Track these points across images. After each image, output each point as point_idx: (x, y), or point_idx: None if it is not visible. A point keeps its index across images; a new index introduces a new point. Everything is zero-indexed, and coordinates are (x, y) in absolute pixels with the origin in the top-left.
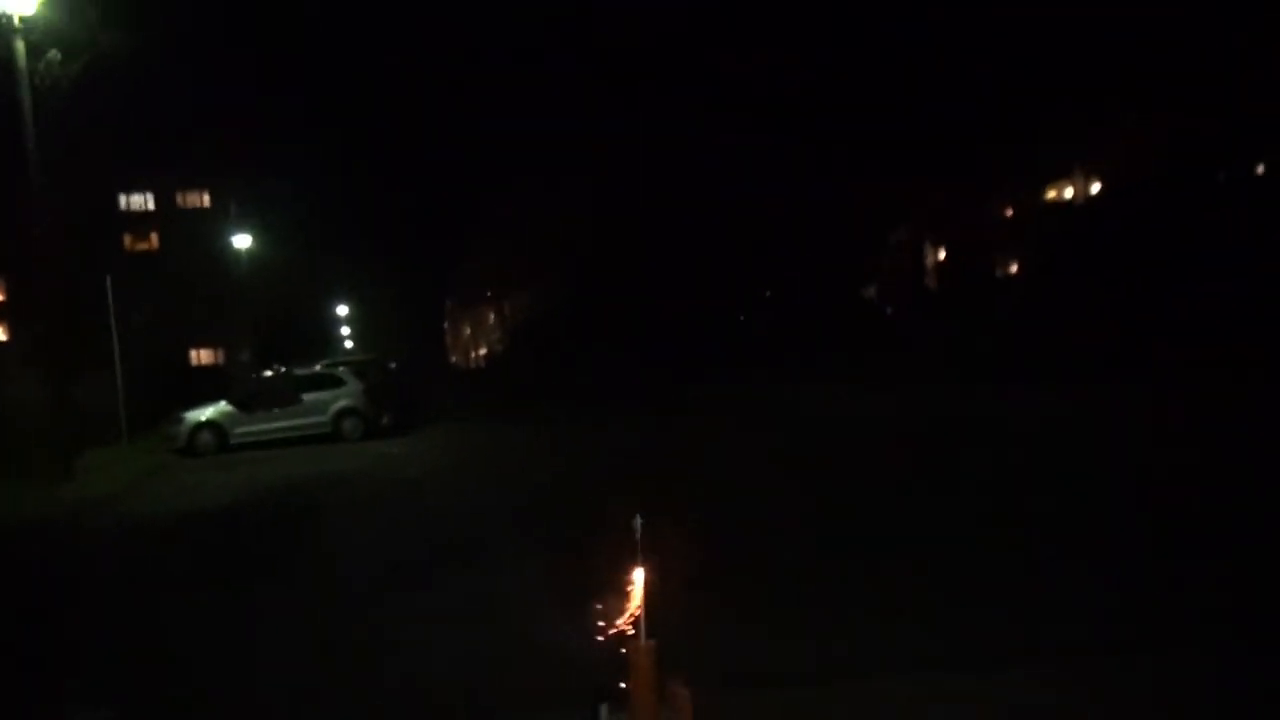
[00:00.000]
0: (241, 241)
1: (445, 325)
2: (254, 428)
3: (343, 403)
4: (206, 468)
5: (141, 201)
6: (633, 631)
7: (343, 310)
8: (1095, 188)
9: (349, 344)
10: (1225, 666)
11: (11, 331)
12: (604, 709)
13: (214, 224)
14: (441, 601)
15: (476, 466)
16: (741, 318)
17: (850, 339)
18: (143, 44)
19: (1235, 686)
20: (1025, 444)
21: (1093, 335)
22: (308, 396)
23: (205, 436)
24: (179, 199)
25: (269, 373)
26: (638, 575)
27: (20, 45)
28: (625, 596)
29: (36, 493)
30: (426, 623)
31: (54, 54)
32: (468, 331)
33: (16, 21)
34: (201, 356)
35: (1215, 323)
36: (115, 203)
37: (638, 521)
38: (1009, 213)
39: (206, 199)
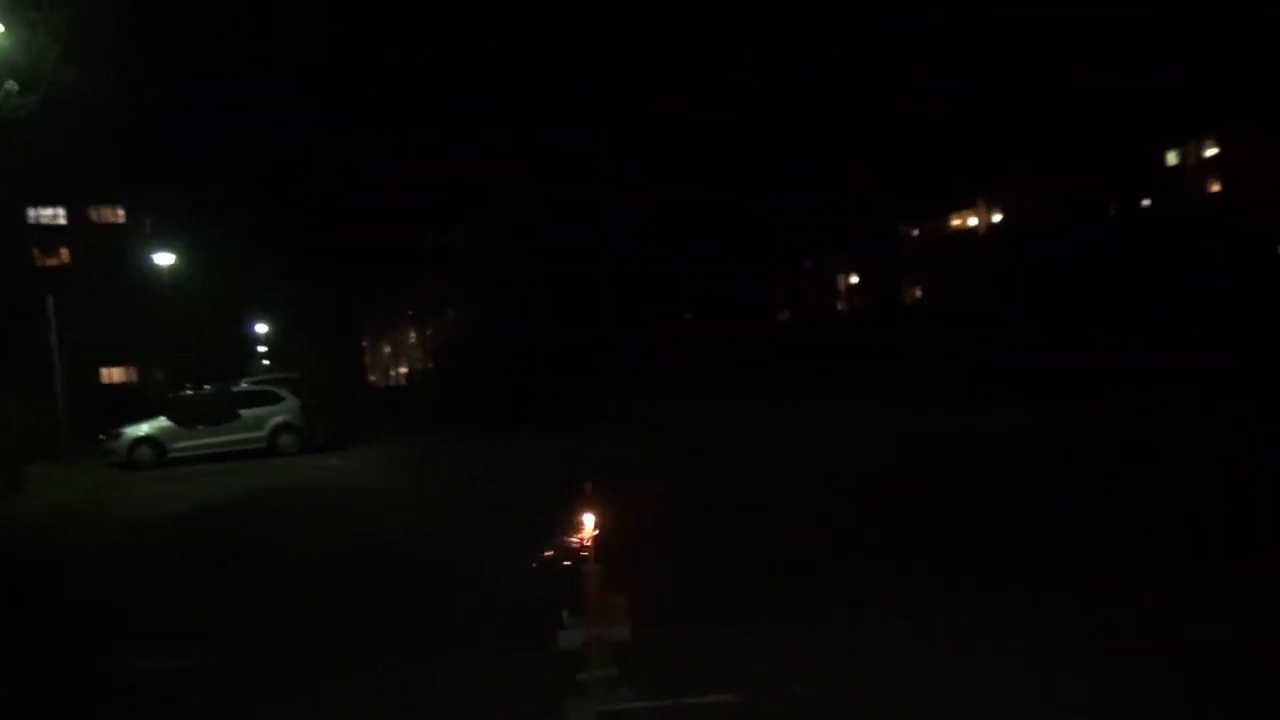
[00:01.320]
0: (163, 259)
1: (364, 343)
2: (192, 442)
3: (280, 418)
4: (153, 481)
5: (52, 215)
6: (585, 556)
7: (261, 328)
8: (997, 217)
9: (266, 362)
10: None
11: None
12: (566, 613)
13: (129, 240)
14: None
15: (410, 475)
16: (659, 338)
17: (762, 360)
18: (100, 79)
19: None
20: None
21: (986, 357)
22: (245, 412)
23: (144, 451)
24: (93, 214)
25: (207, 388)
26: (588, 519)
27: None
28: (579, 534)
29: None
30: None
31: (11, 85)
32: (388, 350)
33: None
34: (113, 374)
35: (1101, 342)
36: (23, 215)
37: (588, 484)
38: (916, 240)
39: (121, 214)
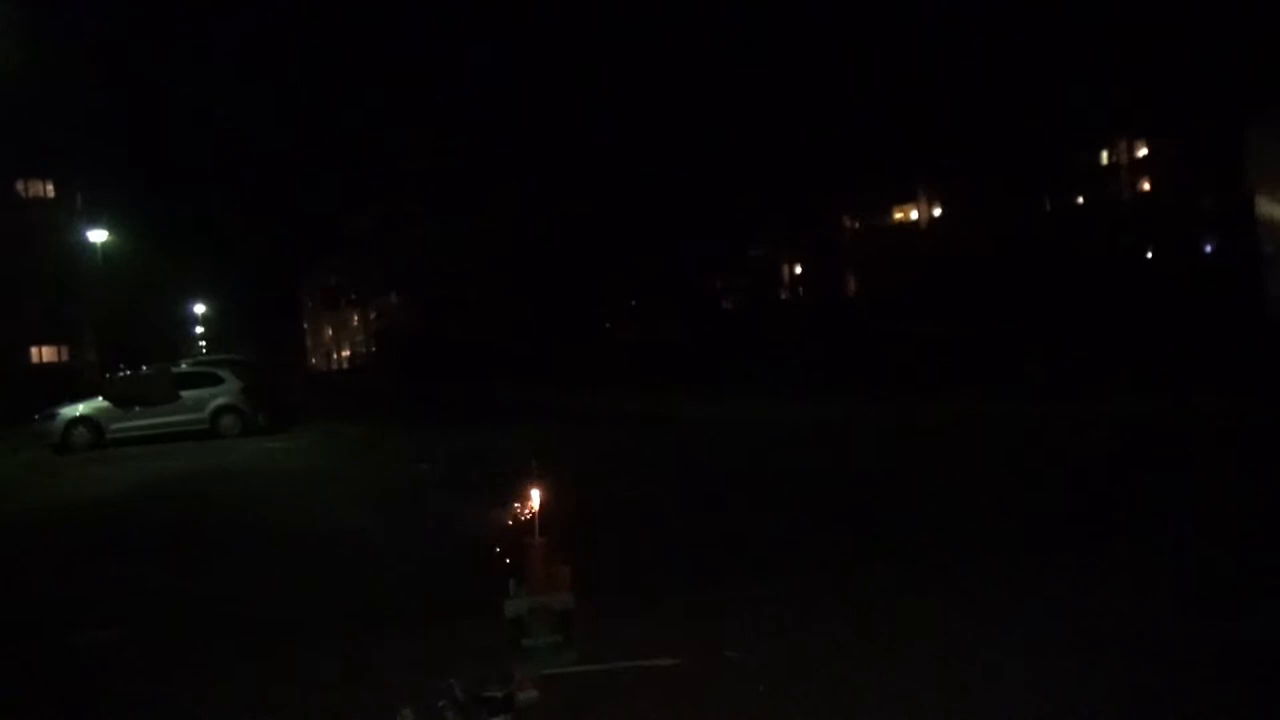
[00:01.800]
0: (96, 236)
1: (305, 326)
2: (131, 424)
3: (221, 400)
4: (89, 462)
5: None
6: (529, 530)
7: (199, 309)
8: (937, 211)
9: (203, 344)
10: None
11: None
12: (513, 581)
13: (58, 216)
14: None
15: (350, 460)
16: (607, 325)
17: (703, 349)
18: (33, 50)
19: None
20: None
21: (915, 348)
22: (186, 393)
23: (80, 432)
24: (20, 188)
25: (146, 369)
26: (534, 494)
27: None
28: (526, 508)
29: None
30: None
31: None
32: (329, 333)
33: None
34: (43, 354)
35: (1036, 335)
36: None
37: (534, 461)
38: (858, 231)
39: (50, 189)
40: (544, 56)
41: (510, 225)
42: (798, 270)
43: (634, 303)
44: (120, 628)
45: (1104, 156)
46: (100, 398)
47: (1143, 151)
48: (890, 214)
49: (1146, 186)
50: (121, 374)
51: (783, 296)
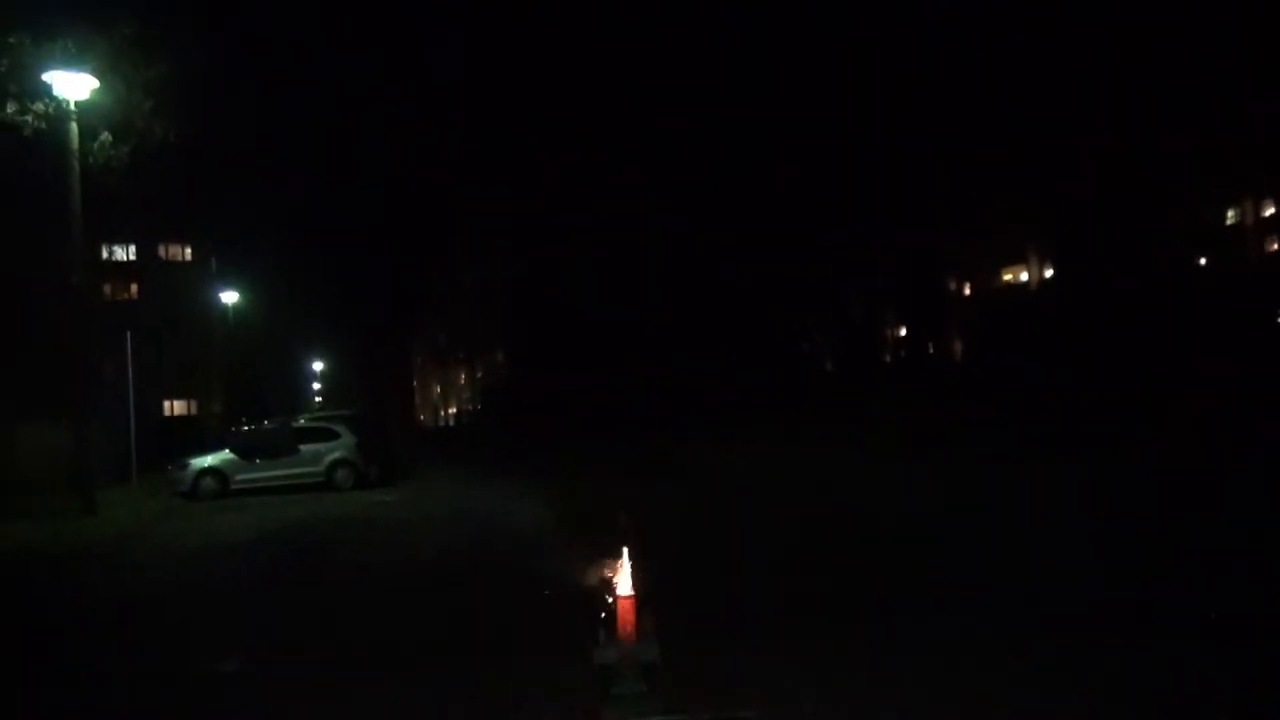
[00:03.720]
0: (228, 297)
1: (414, 383)
2: (253, 475)
3: (336, 454)
4: (215, 510)
5: (123, 252)
6: (618, 583)
7: (317, 366)
8: (1049, 272)
9: (319, 399)
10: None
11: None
12: (602, 631)
13: (194, 277)
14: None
15: (456, 511)
16: (705, 383)
17: (796, 406)
18: (183, 129)
19: None
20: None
21: (1022, 412)
22: (304, 447)
23: (208, 481)
24: (161, 251)
25: (268, 423)
26: (624, 549)
27: (74, 127)
28: (615, 563)
29: (69, 525)
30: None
31: (106, 136)
32: (438, 390)
33: (72, 105)
34: (175, 407)
35: (1147, 405)
36: (98, 252)
37: (623, 517)
38: (966, 293)
39: (188, 253)
40: (639, 111)
41: (607, 281)
42: (902, 332)
43: (732, 360)
44: (240, 659)
45: (1229, 215)
46: (226, 449)
47: (1270, 211)
48: (999, 275)
49: (1275, 247)
50: (245, 427)
51: (886, 359)
